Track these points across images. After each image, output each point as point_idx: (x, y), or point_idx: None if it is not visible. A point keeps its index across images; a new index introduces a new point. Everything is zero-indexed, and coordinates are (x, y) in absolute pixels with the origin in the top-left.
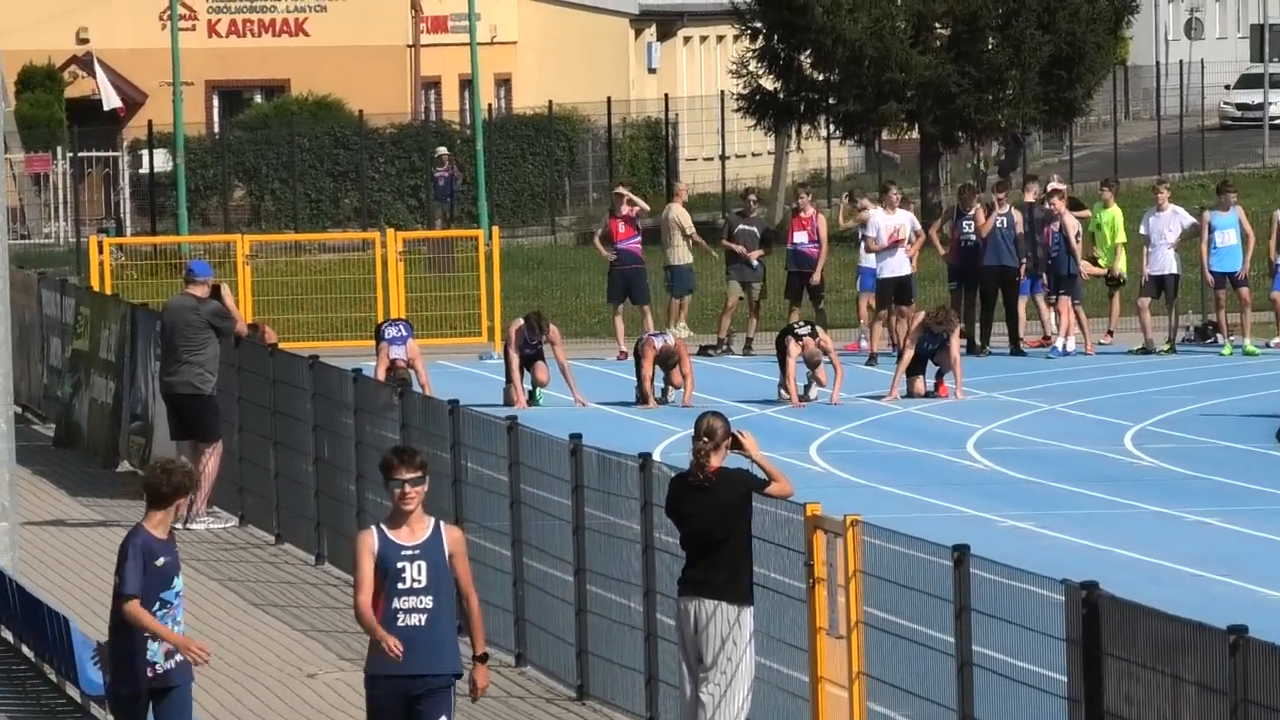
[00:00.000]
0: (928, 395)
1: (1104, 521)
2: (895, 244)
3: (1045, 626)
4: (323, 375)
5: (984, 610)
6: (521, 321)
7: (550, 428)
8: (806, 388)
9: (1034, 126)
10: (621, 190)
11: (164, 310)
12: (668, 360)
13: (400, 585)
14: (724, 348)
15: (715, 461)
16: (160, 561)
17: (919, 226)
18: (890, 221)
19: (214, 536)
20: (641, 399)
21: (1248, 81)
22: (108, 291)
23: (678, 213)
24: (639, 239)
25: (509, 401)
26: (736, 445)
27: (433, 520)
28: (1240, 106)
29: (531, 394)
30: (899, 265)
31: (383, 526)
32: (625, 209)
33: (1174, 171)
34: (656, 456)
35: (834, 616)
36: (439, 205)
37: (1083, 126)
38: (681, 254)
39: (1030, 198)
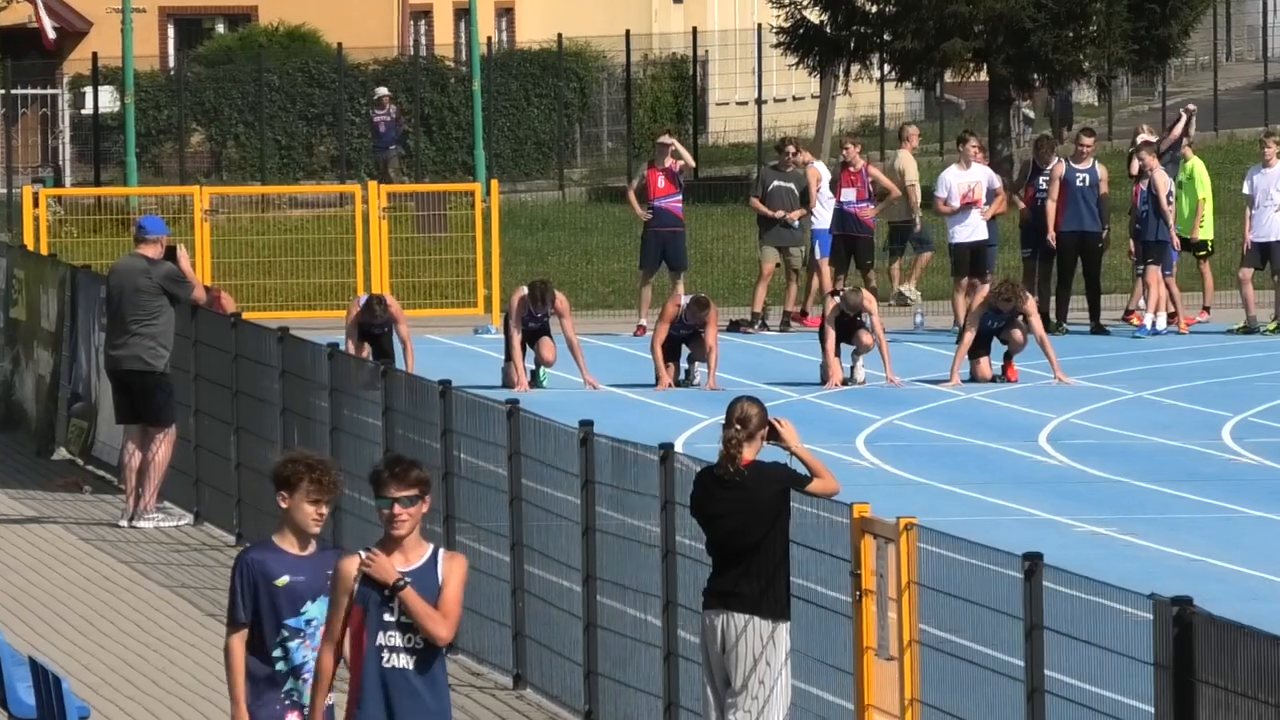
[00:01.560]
0: (994, 380)
1: (1198, 527)
2: (968, 205)
3: (1130, 648)
4: (293, 350)
5: (1058, 629)
6: (525, 290)
7: (557, 413)
8: (853, 368)
9: (1121, 69)
10: (668, 140)
11: (110, 273)
12: (697, 313)
13: (386, 618)
14: (759, 323)
15: (748, 454)
16: (283, 580)
17: (998, 184)
18: (964, 179)
19: (165, 536)
20: (657, 378)
21: None
22: (43, 251)
23: (904, 160)
24: (680, 197)
25: (509, 383)
26: (773, 435)
27: (431, 546)
28: None
29: (535, 374)
30: (973, 230)
31: (372, 550)
32: (669, 161)
33: None
34: (679, 447)
35: (884, 635)
36: (378, 156)
37: (1177, 69)
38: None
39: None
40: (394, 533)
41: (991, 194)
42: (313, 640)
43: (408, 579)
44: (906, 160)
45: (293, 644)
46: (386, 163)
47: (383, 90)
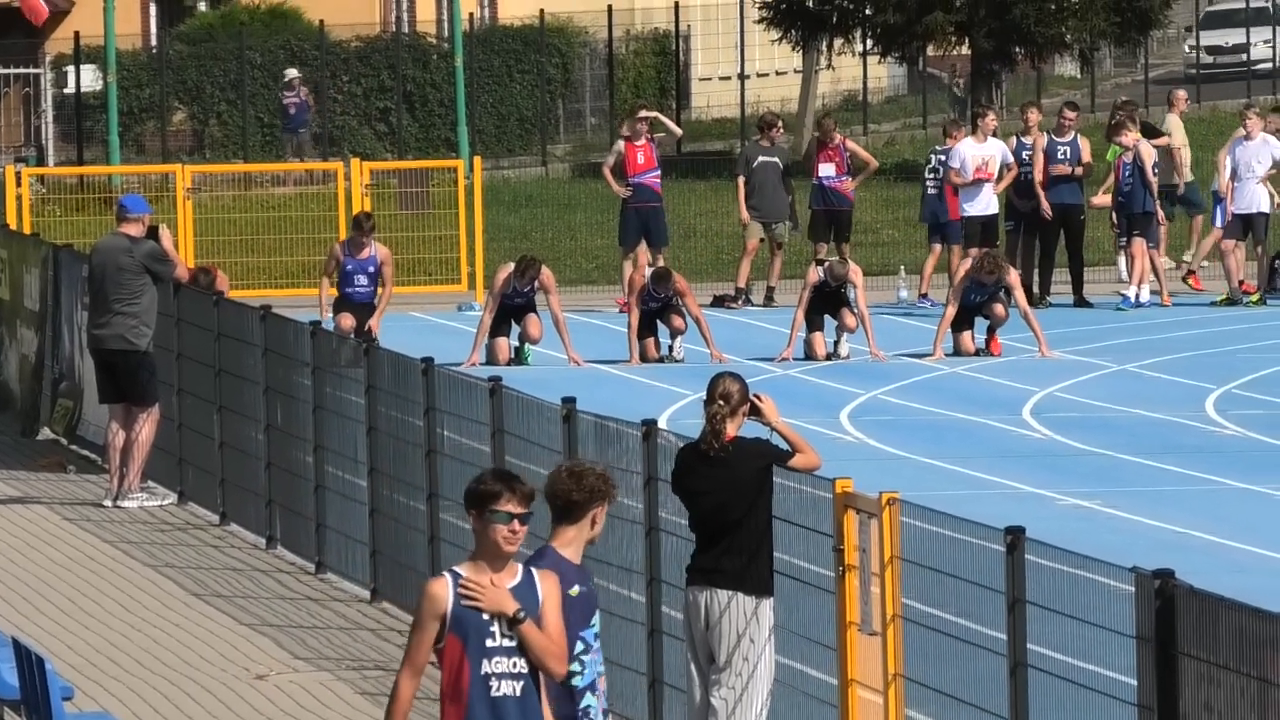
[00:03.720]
0: (978, 353)
1: (1182, 500)
2: (981, 180)
3: (1112, 622)
4: (276, 328)
5: (1041, 603)
6: (511, 266)
7: (540, 390)
8: (836, 343)
9: (1103, 40)
10: (644, 113)
11: (92, 252)
12: (661, 286)
13: (489, 643)
14: (742, 298)
15: (731, 429)
16: (575, 590)
17: (1011, 159)
18: (979, 152)
19: (149, 515)
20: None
21: (1215, 20)
22: (26, 230)
23: (1173, 123)
24: (658, 172)
25: (491, 359)
26: (755, 411)
27: (521, 565)
28: (1212, 50)
29: (519, 351)
30: (986, 204)
31: (459, 571)
32: (646, 136)
33: (1265, 94)
34: (662, 424)
35: (867, 610)
36: (289, 138)
37: (1159, 41)
38: (1188, 171)
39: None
40: (507, 549)
41: (1004, 169)
42: (596, 655)
43: (524, 611)
44: (1175, 123)
45: (586, 657)
46: (298, 145)
47: (293, 72)
